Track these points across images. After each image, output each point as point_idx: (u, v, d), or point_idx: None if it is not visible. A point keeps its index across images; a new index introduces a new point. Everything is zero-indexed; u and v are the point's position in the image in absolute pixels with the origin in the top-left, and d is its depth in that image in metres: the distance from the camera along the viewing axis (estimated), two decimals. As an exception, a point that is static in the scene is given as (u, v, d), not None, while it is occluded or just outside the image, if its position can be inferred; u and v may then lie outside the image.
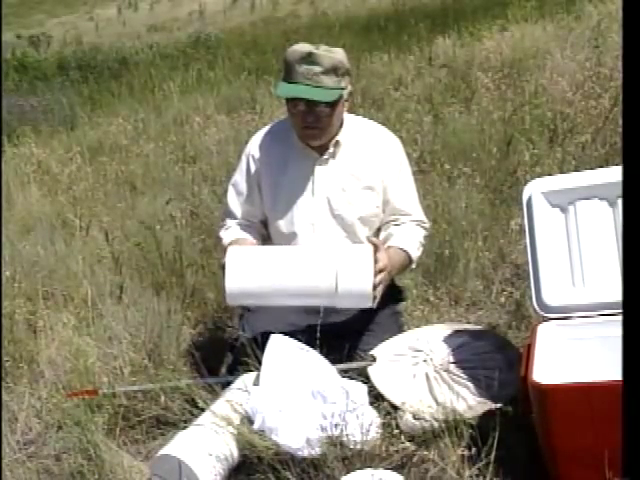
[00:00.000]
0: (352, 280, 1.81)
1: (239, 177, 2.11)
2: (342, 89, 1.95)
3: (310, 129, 1.96)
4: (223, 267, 1.85)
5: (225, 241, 2.08)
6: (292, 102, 1.94)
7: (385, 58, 5.98)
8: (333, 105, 1.93)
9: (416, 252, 2.06)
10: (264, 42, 9.04)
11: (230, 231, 2.11)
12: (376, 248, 1.86)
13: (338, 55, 1.93)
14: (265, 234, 2.13)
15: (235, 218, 2.12)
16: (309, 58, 1.89)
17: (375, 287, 1.83)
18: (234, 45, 9.29)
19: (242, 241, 2.02)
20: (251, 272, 1.85)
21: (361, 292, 1.82)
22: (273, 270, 1.85)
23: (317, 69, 1.89)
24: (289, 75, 1.93)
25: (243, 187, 2.10)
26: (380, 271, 1.84)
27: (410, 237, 2.05)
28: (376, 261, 1.83)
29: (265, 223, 2.13)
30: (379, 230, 2.10)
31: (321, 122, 1.95)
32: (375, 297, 1.84)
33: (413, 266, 2.11)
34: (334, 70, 1.91)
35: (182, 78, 6.77)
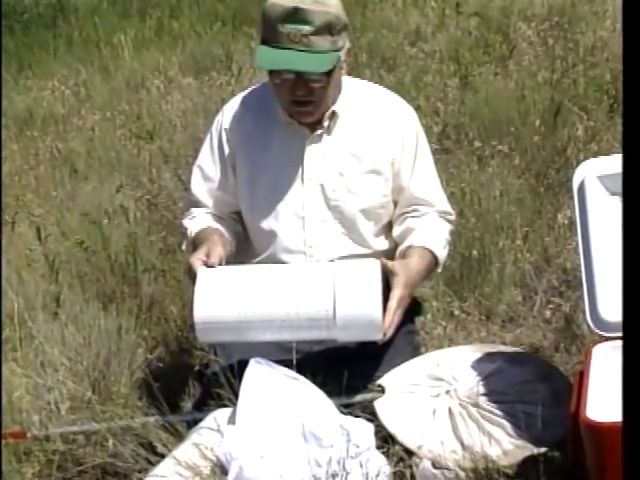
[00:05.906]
0: (354, 304, 1.79)
1: (207, 156, 2.11)
2: (339, 50, 1.94)
3: (301, 104, 1.96)
4: (192, 279, 1.85)
5: (191, 231, 2.08)
6: (276, 70, 1.93)
7: (399, 3, 5.99)
8: (329, 73, 1.92)
9: (443, 252, 2.06)
10: (242, -17, 9.05)
11: (197, 220, 2.11)
12: (386, 268, 1.84)
13: (332, 8, 1.90)
14: (240, 231, 2.13)
15: (203, 208, 2.13)
16: (296, 15, 1.86)
17: (389, 314, 1.82)
18: (204, -13, 9.30)
19: (212, 232, 2.02)
20: (227, 301, 1.84)
21: (367, 320, 1.79)
22: (254, 297, 1.84)
23: (307, 29, 1.87)
24: (270, 37, 1.90)
25: (212, 169, 2.10)
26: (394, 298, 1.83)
27: (435, 233, 2.06)
28: (390, 285, 1.83)
29: (241, 215, 2.13)
30: (389, 225, 2.11)
31: (314, 95, 1.94)
32: (389, 327, 1.83)
33: (439, 270, 2.12)
34: (328, 28, 1.89)
35: (136, 29, 6.77)
